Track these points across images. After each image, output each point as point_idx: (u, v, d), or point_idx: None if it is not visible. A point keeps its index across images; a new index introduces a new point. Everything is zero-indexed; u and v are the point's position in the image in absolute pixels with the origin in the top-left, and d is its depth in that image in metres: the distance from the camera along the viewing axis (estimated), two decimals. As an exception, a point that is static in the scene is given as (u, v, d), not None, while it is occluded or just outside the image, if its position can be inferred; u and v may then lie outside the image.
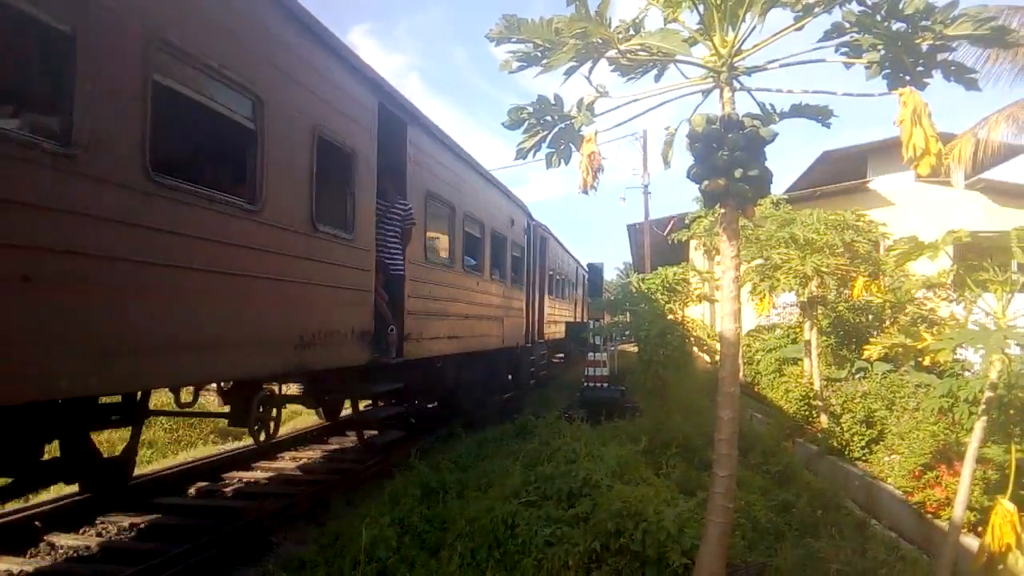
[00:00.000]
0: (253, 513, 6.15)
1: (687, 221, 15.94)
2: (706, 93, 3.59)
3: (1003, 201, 16.88)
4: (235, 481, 7.76)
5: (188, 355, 4.49)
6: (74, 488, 6.48)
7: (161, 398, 8.50)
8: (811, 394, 9.86)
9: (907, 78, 3.13)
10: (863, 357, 8.98)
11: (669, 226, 21.68)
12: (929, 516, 6.53)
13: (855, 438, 8.59)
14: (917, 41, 3.01)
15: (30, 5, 3.38)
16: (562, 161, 3.70)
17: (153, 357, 4.19)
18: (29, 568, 5.15)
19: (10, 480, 5.16)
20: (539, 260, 16.60)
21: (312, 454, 9.32)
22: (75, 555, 5.47)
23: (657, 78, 3.64)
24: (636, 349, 10.60)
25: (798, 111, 3.45)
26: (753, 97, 3.50)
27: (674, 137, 3.72)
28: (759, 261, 9.89)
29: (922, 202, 16.76)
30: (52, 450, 5.67)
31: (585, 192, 3.66)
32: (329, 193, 6.35)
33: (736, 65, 3.40)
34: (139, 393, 5.99)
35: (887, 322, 10.99)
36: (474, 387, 11.62)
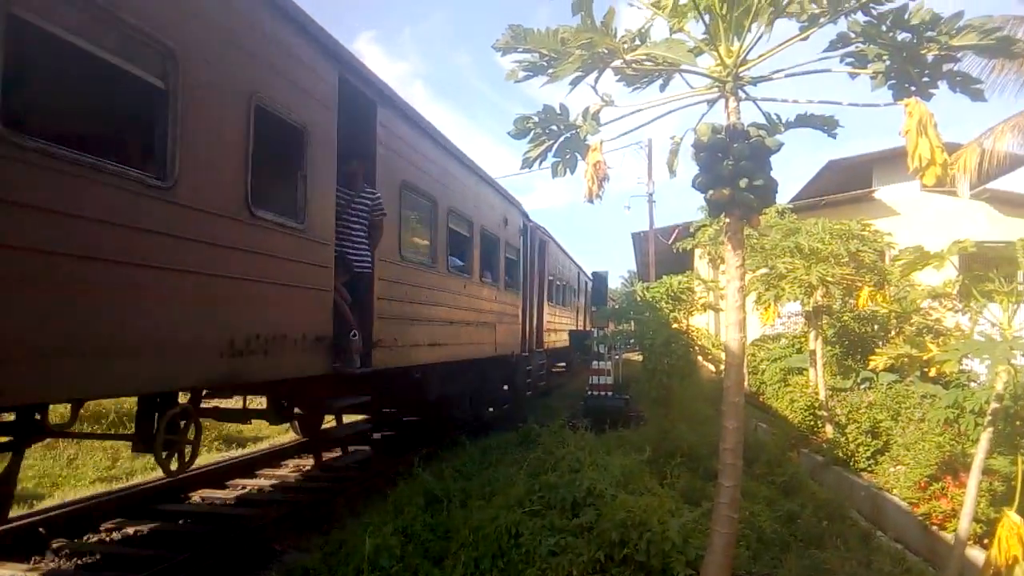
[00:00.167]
0: (256, 520, 6.15)
1: (692, 230, 15.92)
2: (711, 103, 3.59)
3: (1008, 211, 16.85)
4: (239, 488, 7.76)
5: (61, 363, 3.58)
6: (79, 495, 6.49)
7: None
8: (816, 404, 9.83)
9: (913, 88, 3.13)
10: (868, 367, 8.94)
11: (674, 235, 21.67)
12: (935, 528, 6.49)
13: (860, 449, 8.55)
14: (922, 51, 3.01)
15: None
16: (568, 170, 3.71)
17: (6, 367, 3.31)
18: (34, 575, 5.15)
19: None
20: (538, 264, 15.86)
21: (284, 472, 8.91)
22: (79, 562, 5.47)
23: (662, 88, 3.66)
24: (640, 358, 10.58)
25: (803, 121, 3.45)
26: (758, 107, 3.51)
27: (679, 146, 3.72)
28: (764, 270, 9.88)
29: (927, 212, 16.73)
30: None
31: (590, 201, 3.66)
32: (273, 175, 5.52)
33: (741, 75, 3.41)
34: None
35: (892, 332, 10.96)
36: (464, 399, 11.00)
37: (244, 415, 6.78)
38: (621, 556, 4.41)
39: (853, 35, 3.11)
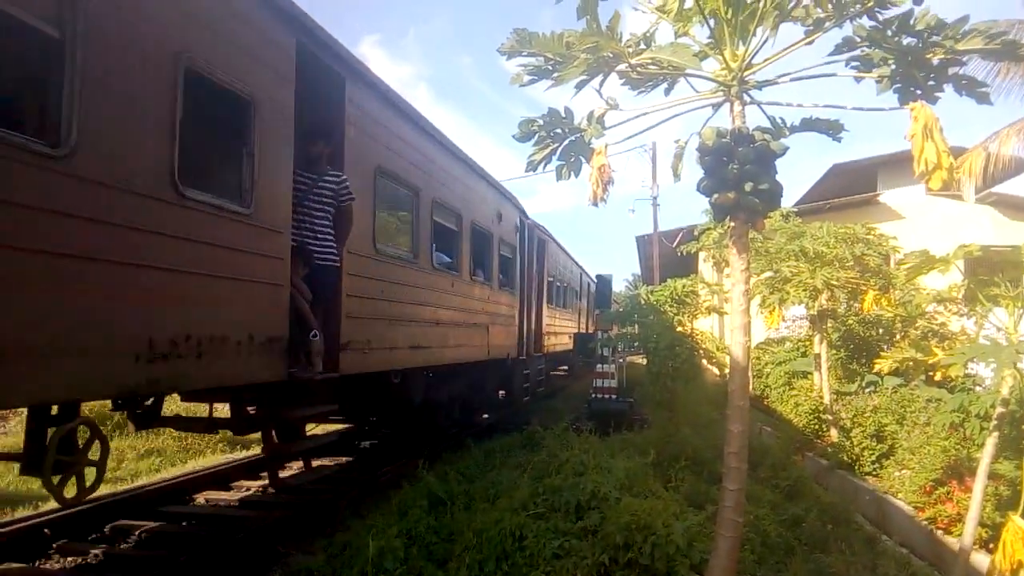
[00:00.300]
0: (260, 522, 6.16)
1: (696, 233, 15.92)
2: (716, 107, 3.60)
3: (1014, 215, 16.81)
4: (243, 489, 7.77)
5: None
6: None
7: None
8: (821, 408, 9.82)
9: (918, 92, 3.14)
10: (873, 371, 8.95)
11: (678, 238, 21.69)
12: (940, 532, 6.48)
13: (865, 452, 8.54)
14: (928, 56, 3.01)
15: None
16: (572, 174, 3.72)
17: None
18: None
19: None
20: (536, 264, 15.11)
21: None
22: (83, 562, 5.48)
23: (667, 92, 3.66)
24: (644, 361, 10.57)
25: (808, 125, 3.45)
26: (763, 111, 3.52)
27: (684, 150, 3.74)
28: (769, 274, 9.88)
29: (932, 216, 16.71)
30: None
31: (595, 205, 3.67)
32: (210, 151, 4.93)
33: (746, 79, 3.42)
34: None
35: (897, 336, 10.94)
36: (453, 406, 10.34)
37: (209, 425, 6.15)
38: (625, 559, 4.41)
39: (858, 39, 3.12)
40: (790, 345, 13.80)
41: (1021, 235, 6.84)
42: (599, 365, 12.32)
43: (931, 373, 6.71)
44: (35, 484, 8.14)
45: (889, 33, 3.00)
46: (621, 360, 13.32)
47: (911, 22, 2.93)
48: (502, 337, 11.74)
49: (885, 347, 10.76)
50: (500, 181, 12.12)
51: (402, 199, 7.84)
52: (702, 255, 17.11)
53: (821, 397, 9.88)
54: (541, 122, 3.55)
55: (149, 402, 5.78)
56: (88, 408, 9.98)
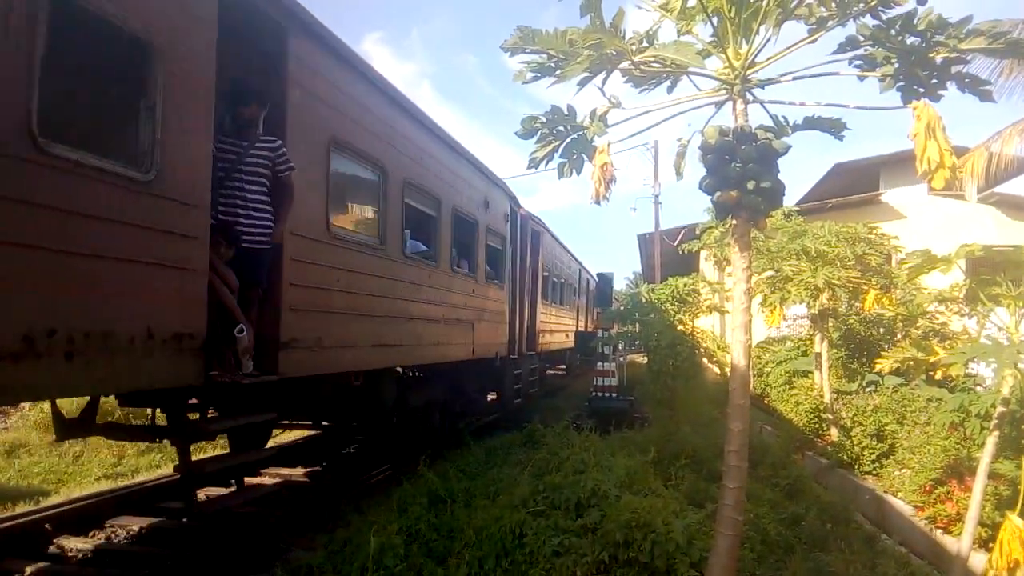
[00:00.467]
0: (261, 518, 6.17)
1: (698, 232, 15.92)
2: (719, 105, 3.60)
3: (1016, 215, 16.79)
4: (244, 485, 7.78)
5: None
6: (84, 491, 6.51)
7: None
8: (821, 407, 9.83)
9: (921, 91, 3.13)
10: (874, 370, 8.95)
11: (680, 236, 21.69)
12: (939, 532, 6.49)
13: (865, 452, 8.55)
14: (931, 55, 3.01)
15: None
16: (574, 171, 3.72)
17: None
18: (39, 571, 5.18)
19: None
20: (530, 257, 14.14)
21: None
22: (84, 558, 5.49)
23: (670, 90, 3.66)
24: (645, 359, 10.57)
25: (811, 123, 3.45)
26: (766, 109, 3.52)
27: (686, 148, 3.74)
28: (770, 273, 9.88)
29: (934, 215, 16.70)
30: None
31: (597, 203, 3.67)
32: (93, 101, 4.24)
33: (749, 77, 3.42)
34: None
35: (898, 335, 10.96)
36: (431, 411, 9.36)
37: (147, 433, 5.51)
38: (625, 557, 4.42)
39: (861, 38, 3.11)
40: (791, 344, 13.81)
41: (1023, 235, 6.83)
42: (600, 363, 12.33)
43: (932, 373, 6.69)
44: (36, 480, 8.20)
45: (892, 32, 3.00)
46: (622, 358, 13.33)
47: (914, 21, 2.92)
48: (490, 335, 10.84)
49: (886, 346, 10.77)
50: (504, 180, 11.88)
51: (366, 177, 6.89)
52: (703, 253, 17.12)
53: (821, 396, 9.88)
54: (544, 120, 3.55)
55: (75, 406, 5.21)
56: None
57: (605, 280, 25.21)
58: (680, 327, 9.63)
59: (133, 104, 4.03)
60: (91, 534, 6.03)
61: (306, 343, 5.59)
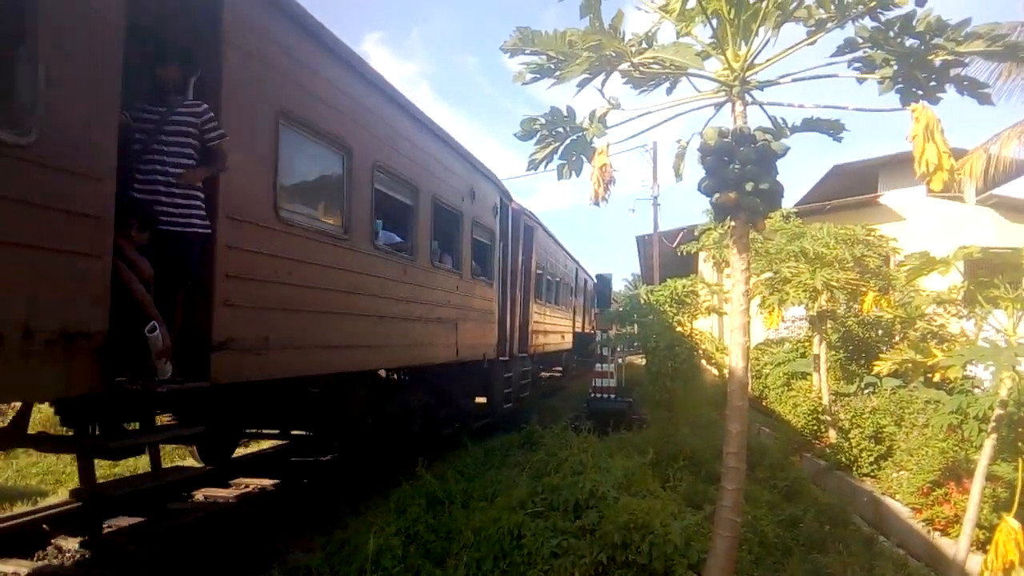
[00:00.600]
0: (259, 519, 6.16)
1: (696, 233, 15.92)
2: (718, 106, 3.60)
3: (1014, 217, 16.81)
4: (241, 487, 7.78)
5: None
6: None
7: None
8: (819, 409, 9.83)
9: (920, 93, 3.14)
10: (872, 372, 8.96)
11: (678, 238, 21.70)
12: (937, 534, 6.49)
13: (863, 454, 8.55)
14: (930, 57, 3.02)
15: None
16: (573, 173, 3.72)
17: None
18: (36, 571, 5.17)
19: None
20: (523, 254, 13.41)
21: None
22: (81, 558, 5.49)
23: (669, 91, 3.67)
24: (644, 361, 10.58)
25: (810, 125, 3.46)
26: (765, 111, 3.52)
27: (686, 150, 3.74)
28: (769, 274, 9.89)
29: (933, 217, 16.71)
30: None
31: (596, 204, 3.67)
32: None
33: (748, 79, 3.42)
34: None
35: (897, 337, 10.96)
36: (411, 418, 8.62)
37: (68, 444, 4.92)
38: (623, 558, 4.42)
39: (860, 40, 3.12)
40: (789, 346, 13.80)
41: (1021, 237, 6.85)
42: (598, 364, 12.33)
43: (930, 375, 6.71)
44: (34, 480, 8.18)
45: (891, 34, 3.00)
46: (620, 360, 13.33)
47: (913, 23, 2.93)
48: (476, 335, 10.09)
49: (884, 348, 10.76)
50: (503, 179, 11.70)
51: (325, 157, 6.13)
52: (702, 255, 17.12)
53: (820, 398, 9.88)
54: (543, 121, 3.56)
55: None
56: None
57: (604, 281, 25.18)
58: (679, 328, 9.66)
59: (7, 52, 3.41)
60: (89, 534, 6.02)
61: (248, 344, 4.86)
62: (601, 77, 3.49)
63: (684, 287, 10.28)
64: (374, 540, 4.75)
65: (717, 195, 3.41)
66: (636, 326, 10.19)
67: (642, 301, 10.37)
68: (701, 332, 10.67)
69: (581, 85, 3.52)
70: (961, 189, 12.94)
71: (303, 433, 7.93)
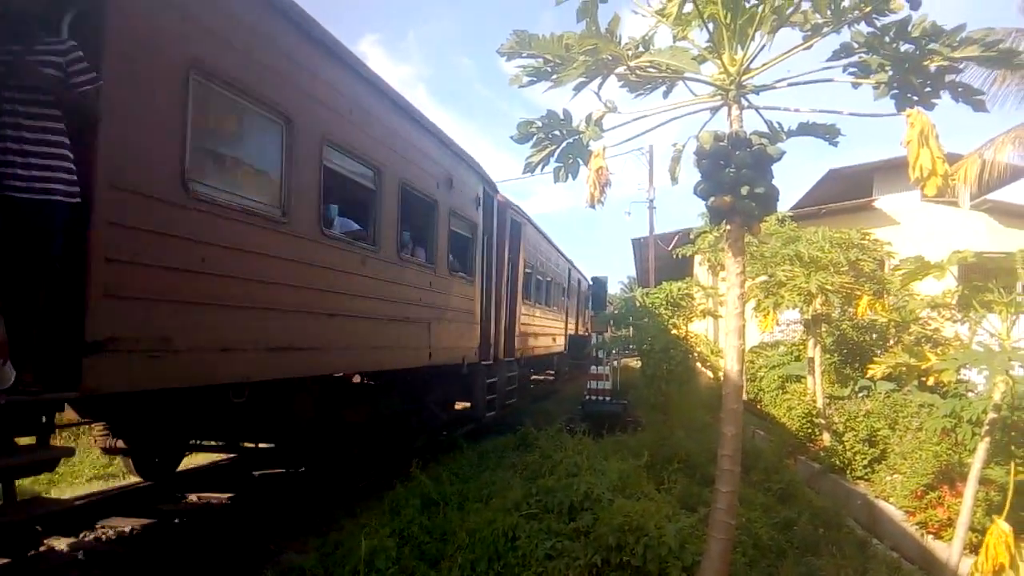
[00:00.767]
0: (252, 521, 6.14)
1: (692, 236, 15.96)
2: (714, 110, 3.62)
3: (1008, 222, 16.87)
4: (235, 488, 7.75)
5: None
6: (75, 493, 6.46)
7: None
8: (814, 412, 9.85)
9: (915, 98, 3.15)
10: (867, 376, 8.98)
11: (674, 241, 21.73)
12: (931, 537, 6.51)
13: (857, 457, 8.57)
14: (925, 63, 3.03)
15: None
16: (570, 175, 3.73)
17: None
18: (28, 572, 5.14)
19: None
20: (510, 251, 12.38)
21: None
22: (74, 559, 5.46)
23: (666, 95, 3.68)
24: (639, 363, 10.58)
25: (805, 129, 3.47)
26: (761, 115, 3.54)
27: (681, 153, 3.75)
28: (763, 278, 9.91)
29: (927, 222, 16.76)
30: None
31: (592, 207, 3.68)
32: None
33: (744, 83, 3.43)
34: None
35: (891, 341, 10.99)
36: (370, 431, 7.79)
37: None
38: (618, 560, 4.42)
39: (856, 45, 3.13)
40: (784, 349, 13.83)
41: (1015, 242, 6.87)
42: (593, 367, 12.33)
43: (924, 378, 6.73)
44: (26, 481, 8.12)
45: (887, 39, 3.02)
46: (615, 362, 13.33)
47: (908, 29, 2.94)
48: (454, 337, 9.17)
49: (879, 352, 10.79)
50: (494, 178, 11.39)
51: (257, 124, 5.19)
52: (697, 258, 17.17)
53: (814, 401, 9.90)
54: (540, 124, 3.56)
55: None
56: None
57: (600, 284, 25.18)
58: (674, 331, 9.66)
59: None
60: (81, 535, 5.99)
61: (140, 345, 3.93)
62: (597, 80, 3.50)
63: (679, 290, 10.27)
64: (368, 541, 4.74)
65: (713, 199, 3.43)
66: (631, 329, 10.20)
67: (638, 304, 10.36)
68: (696, 335, 10.67)
69: (578, 88, 3.52)
70: (955, 194, 13.02)
71: (253, 445, 7.14)
